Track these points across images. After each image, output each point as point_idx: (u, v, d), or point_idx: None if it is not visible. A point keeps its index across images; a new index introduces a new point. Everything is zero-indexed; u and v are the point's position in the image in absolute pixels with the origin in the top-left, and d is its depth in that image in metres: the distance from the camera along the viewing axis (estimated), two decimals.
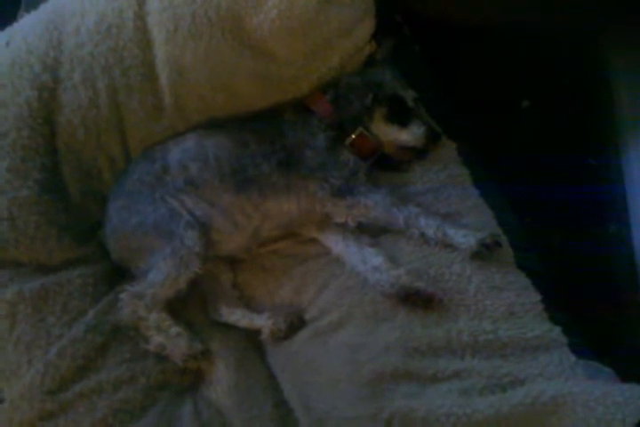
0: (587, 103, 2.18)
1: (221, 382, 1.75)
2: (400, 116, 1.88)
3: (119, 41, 1.83)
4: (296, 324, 1.75)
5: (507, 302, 1.60)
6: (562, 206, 2.08)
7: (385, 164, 1.93)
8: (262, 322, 1.78)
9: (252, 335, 1.82)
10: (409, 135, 1.87)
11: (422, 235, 1.72)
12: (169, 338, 1.73)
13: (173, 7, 1.79)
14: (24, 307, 1.75)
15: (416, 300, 1.62)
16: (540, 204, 2.05)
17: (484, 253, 1.65)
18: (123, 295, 1.75)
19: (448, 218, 1.75)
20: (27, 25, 1.93)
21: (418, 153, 1.90)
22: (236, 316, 1.82)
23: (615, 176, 2.07)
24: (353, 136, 1.86)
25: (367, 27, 1.88)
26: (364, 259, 1.74)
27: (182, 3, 1.79)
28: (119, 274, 1.88)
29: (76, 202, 1.90)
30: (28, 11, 2.01)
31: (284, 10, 1.74)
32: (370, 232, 1.83)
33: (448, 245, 1.70)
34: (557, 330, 1.55)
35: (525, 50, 2.17)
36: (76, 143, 1.88)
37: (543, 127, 2.21)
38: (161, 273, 1.73)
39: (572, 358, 1.50)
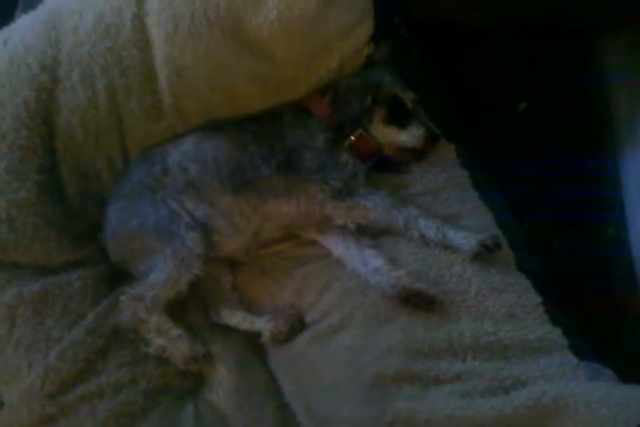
0: (584, 106, 2.19)
1: (222, 385, 1.75)
2: (399, 117, 1.88)
3: (118, 41, 1.81)
4: (297, 326, 1.75)
5: (507, 304, 1.61)
6: (560, 209, 2.09)
7: (384, 165, 1.93)
8: (263, 325, 1.77)
9: (252, 338, 1.81)
10: (408, 137, 1.87)
11: (422, 236, 1.72)
12: (170, 340, 1.72)
13: (172, 7, 1.78)
14: (23, 310, 1.73)
15: (417, 301, 1.62)
16: (539, 206, 2.06)
17: (484, 254, 1.65)
18: (123, 297, 1.74)
19: (448, 220, 1.75)
20: (24, 24, 1.91)
21: (417, 155, 1.90)
22: (237, 318, 1.81)
23: (612, 179, 2.09)
24: (352, 138, 1.86)
25: (366, 28, 1.87)
26: (365, 261, 1.74)
27: (181, 3, 1.77)
28: (119, 276, 1.86)
29: (75, 203, 1.89)
30: (25, 11, 1.98)
31: (284, 11, 1.73)
32: (370, 234, 1.83)
33: (448, 247, 1.70)
34: (558, 332, 1.56)
35: (523, 52, 2.19)
36: (75, 144, 1.86)
37: (540, 130, 2.22)
38: (162, 274, 1.73)
39: (573, 359, 1.51)
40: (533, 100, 2.25)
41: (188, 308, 1.85)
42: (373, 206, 1.78)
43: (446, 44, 2.13)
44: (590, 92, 2.19)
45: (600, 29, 2.10)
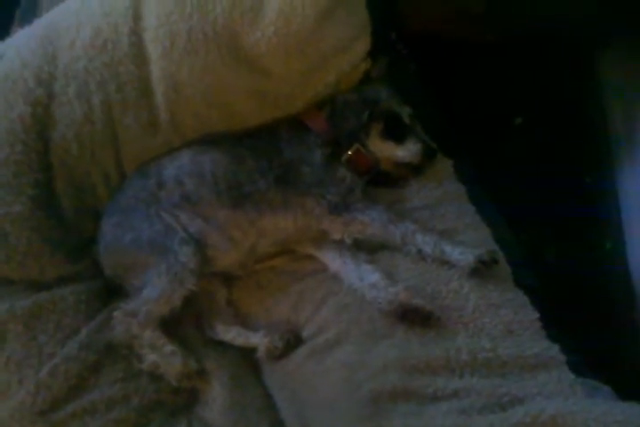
0: (580, 120, 2.19)
1: (216, 401, 1.72)
2: (396, 132, 1.88)
3: (114, 56, 1.81)
4: (292, 342, 1.73)
5: (505, 320, 1.59)
6: (557, 224, 2.09)
7: (381, 180, 1.93)
8: (258, 340, 1.76)
9: (247, 354, 1.80)
10: (405, 151, 1.87)
11: (419, 252, 1.72)
12: (163, 356, 1.70)
13: (169, 23, 1.78)
14: (14, 325, 1.71)
15: (414, 317, 1.61)
16: (536, 221, 2.06)
17: (481, 269, 1.64)
18: (116, 313, 1.72)
19: (444, 235, 1.74)
20: (20, 39, 1.91)
21: (414, 169, 1.90)
22: (232, 334, 1.80)
23: (610, 193, 2.08)
24: (349, 153, 1.86)
25: (363, 44, 1.88)
26: (361, 276, 1.73)
27: (178, 19, 1.78)
28: (113, 291, 1.85)
29: (70, 218, 1.88)
30: (21, 26, 1.99)
31: (281, 27, 1.74)
32: (366, 249, 1.82)
33: (445, 262, 1.69)
34: (556, 348, 1.54)
35: (519, 67, 2.19)
36: (70, 159, 1.86)
37: (536, 145, 2.22)
38: (155, 290, 1.71)
39: (571, 376, 1.49)
40: (529, 115, 2.25)
41: (183, 323, 1.83)
42: (370, 221, 1.77)
43: (443, 59, 2.13)
44: (586, 107, 2.19)
45: (596, 44, 2.11)
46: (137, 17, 1.82)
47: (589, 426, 1.31)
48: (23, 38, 1.91)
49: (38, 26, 1.93)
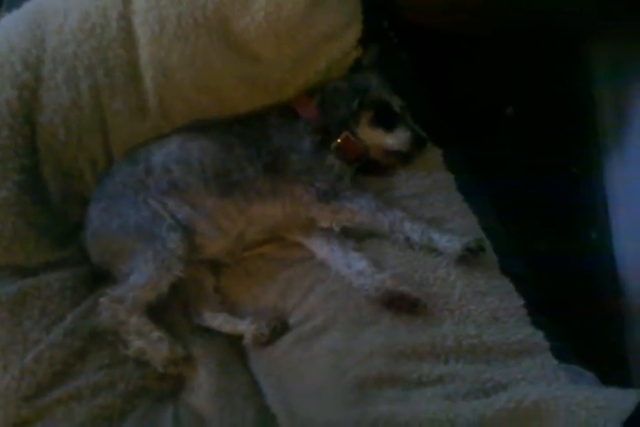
0: (570, 111, 2.20)
1: (203, 387, 1.72)
2: (386, 120, 1.88)
3: (103, 40, 1.80)
4: (279, 329, 1.73)
5: (491, 307, 1.60)
6: (544, 213, 2.10)
7: (370, 168, 1.92)
8: (245, 327, 1.76)
9: (234, 340, 1.80)
10: (394, 140, 1.87)
11: (407, 239, 1.72)
12: (150, 343, 1.70)
13: (159, 8, 1.77)
14: None
15: (401, 304, 1.62)
16: (523, 210, 2.06)
17: (468, 257, 1.65)
18: (102, 299, 1.72)
19: (433, 223, 1.75)
20: (8, 23, 1.90)
21: (403, 158, 1.90)
22: (219, 320, 1.80)
23: (597, 184, 2.10)
24: (339, 140, 1.85)
25: (354, 31, 1.87)
26: (349, 263, 1.73)
27: (168, 3, 1.76)
28: (99, 277, 1.84)
29: (57, 204, 1.87)
30: (9, 10, 1.97)
31: (272, 12, 1.73)
32: (355, 236, 1.82)
33: (433, 250, 1.70)
34: (540, 335, 1.55)
35: (510, 57, 2.19)
36: (57, 144, 1.84)
37: (526, 135, 2.23)
38: (142, 276, 1.71)
39: (555, 362, 1.51)
40: (520, 105, 2.26)
41: (170, 310, 1.82)
42: (359, 209, 1.77)
43: (435, 48, 2.12)
44: (577, 98, 2.20)
45: (588, 36, 2.12)
46: (126, 0, 1.80)
47: (572, 411, 1.33)
48: (11, 22, 1.90)
49: (27, 10, 1.91)
